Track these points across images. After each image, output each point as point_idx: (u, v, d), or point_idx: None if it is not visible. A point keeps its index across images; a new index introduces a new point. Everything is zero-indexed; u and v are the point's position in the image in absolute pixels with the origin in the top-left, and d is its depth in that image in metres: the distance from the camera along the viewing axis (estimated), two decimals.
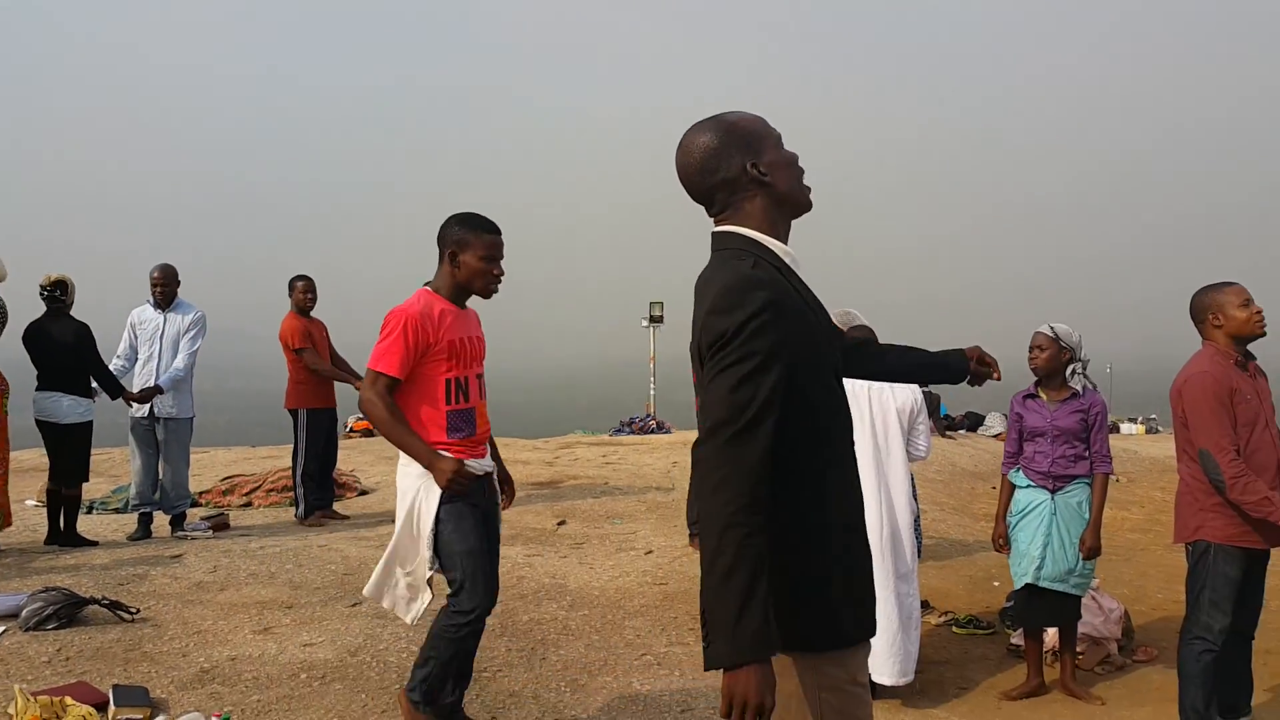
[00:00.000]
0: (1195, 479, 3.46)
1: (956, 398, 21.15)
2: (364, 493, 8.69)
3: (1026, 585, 4.18)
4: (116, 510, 7.70)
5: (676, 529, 6.85)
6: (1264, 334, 3.50)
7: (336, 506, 7.51)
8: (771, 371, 1.67)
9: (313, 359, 7.06)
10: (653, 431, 15.34)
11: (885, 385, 4.17)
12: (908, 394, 4.15)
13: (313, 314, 7.24)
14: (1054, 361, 4.17)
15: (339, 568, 5.56)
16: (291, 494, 7.55)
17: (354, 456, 10.38)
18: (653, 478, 9.28)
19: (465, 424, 3.25)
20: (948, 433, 14.27)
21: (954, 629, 5.23)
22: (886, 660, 3.99)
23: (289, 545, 6.09)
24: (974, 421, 16.02)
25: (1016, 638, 4.87)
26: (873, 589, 1.87)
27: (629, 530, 6.90)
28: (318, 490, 7.22)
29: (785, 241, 1.84)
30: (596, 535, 6.68)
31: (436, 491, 3.12)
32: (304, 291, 7.18)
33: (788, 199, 1.84)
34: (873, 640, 1.92)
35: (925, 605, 5.47)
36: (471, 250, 3.18)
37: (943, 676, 4.55)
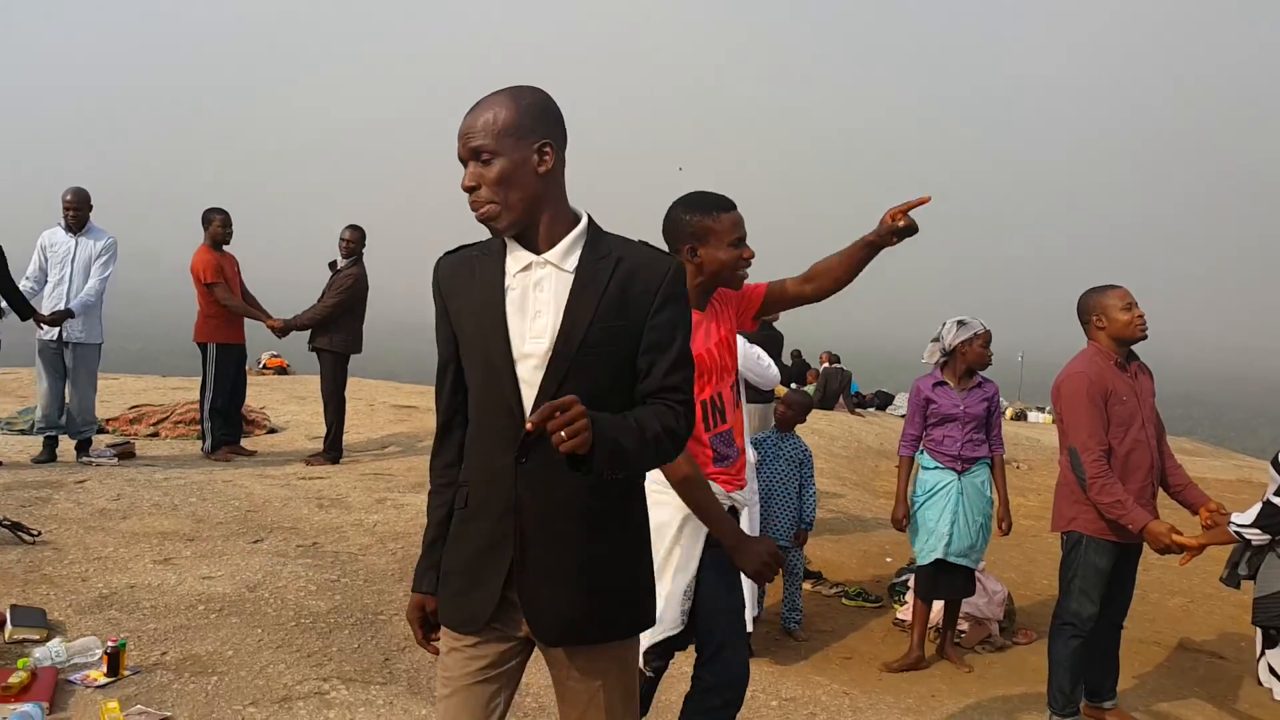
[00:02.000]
0: (1071, 472, 3.70)
1: (869, 376, 21.80)
2: (273, 430, 8.69)
3: (933, 561, 4.50)
4: (21, 431, 7.59)
5: None
6: (1145, 337, 3.69)
7: (244, 443, 7.52)
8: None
9: (224, 294, 7.02)
10: None
11: None
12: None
13: (225, 248, 7.20)
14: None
15: (242, 504, 5.62)
16: (199, 427, 7.54)
17: (264, 394, 10.32)
18: None
19: (728, 448, 2.61)
20: (857, 410, 14.77)
21: (844, 600, 5.55)
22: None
23: (194, 479, 6.11)
24: (883, 400, 16.59)
25: (903, 612, 5.20)
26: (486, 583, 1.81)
27: None
28: (225, 425, 7.23)
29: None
30: None
31: (703, 533, 2.52)
32: (222, 225, 7.12)
33: None
34: None
35: (818, 576, 5.79)
36: (715, 238, 2.52)
37: (828, 645, 4.84)
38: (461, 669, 1.85)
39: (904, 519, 4.61)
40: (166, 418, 8.11)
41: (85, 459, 6.54)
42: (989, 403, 4.57)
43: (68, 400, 6.59)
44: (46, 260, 6.51)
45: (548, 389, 1.73)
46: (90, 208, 6.60)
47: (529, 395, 1.75)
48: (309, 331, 7.19)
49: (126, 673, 3.24)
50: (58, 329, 6.36)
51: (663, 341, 1.79)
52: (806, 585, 5.43)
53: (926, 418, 4.59)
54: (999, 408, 4.68)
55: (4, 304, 6.15)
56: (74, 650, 3.30)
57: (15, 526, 4.54)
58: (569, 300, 1.76)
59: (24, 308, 6.19)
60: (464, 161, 1.77)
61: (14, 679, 3.01)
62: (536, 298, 1.77)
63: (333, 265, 7.27)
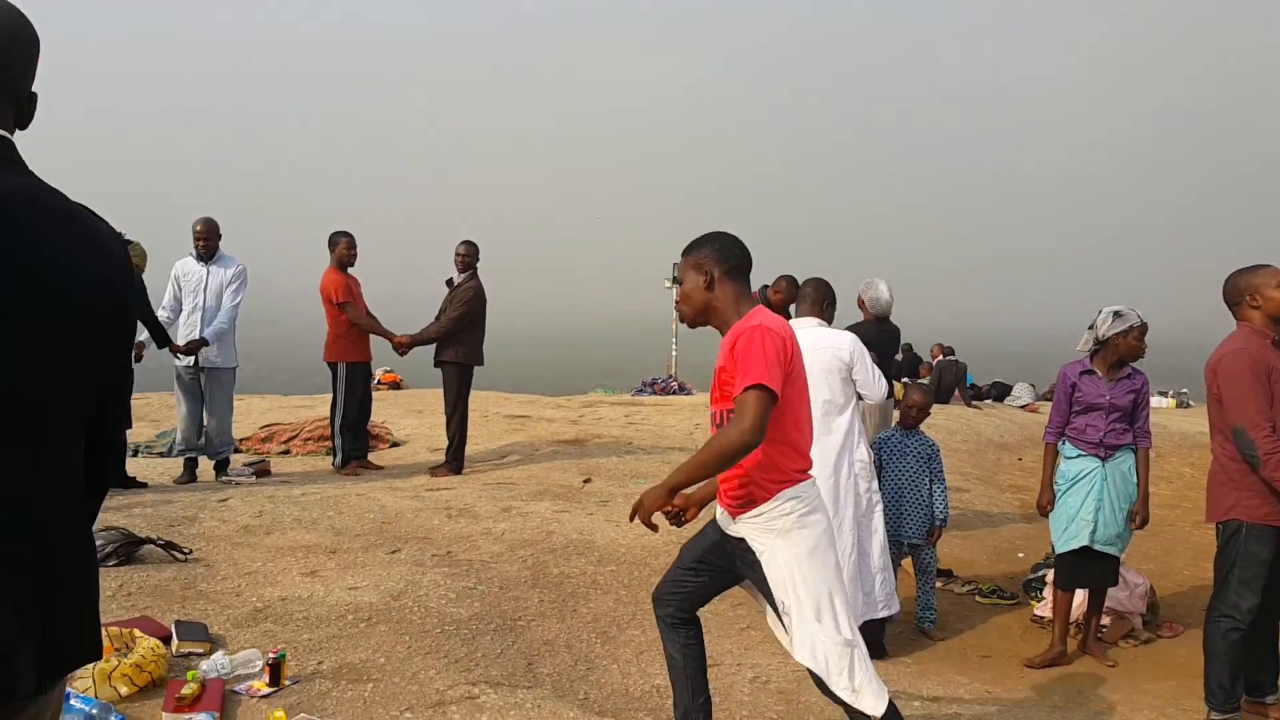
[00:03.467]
0: (1229, 458, 3.53)
1: (984, 366, 21.20)
2: (396, 444, 8.95)
3: (1076, 549, 4.37)
4: (160, 454, 8.00)
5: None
6: None
7: (370, 457, 7.76)
8: None
9: (355, 314, 7.27)
10: (674, 393, 15.54)
11: (809, 343, 3.89)
12: (836, 345, 4.32)
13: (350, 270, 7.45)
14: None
15: (377, 515, 5.80)
16: (328, 443, 7.81)
17: (383, 409, 10.64)
18: (675, 438, 9.47)
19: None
20: (973, 403, 14.37)
21: (977, 598, 5.42)
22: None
23: (329, 493, 6.33)
24: (1000, 392, 16.09)
25: (1041, 609, 5.05)
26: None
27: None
28: (354, 441, 7.46)
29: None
30: (621, 494, 6.88)
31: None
32: (348, 248, 7.37)
33: None
34: None
35: (948, 574, 5.66)
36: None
37: (965, 644, 4.73)
38: None
39: (1048, 505, 4.48)
40: (296, 435, 8.43)
41: (225, 478, 6.85)
42: (1136, 395, 4.41)
43: (206, 423, 6.91)
44: (180, 289, 6.84)
45: None
46: (219, 236, 6.91)
47: None
48: (433, 346, 7.37)
49: (287, 682, 3.37)
50: (194, 356, 6.68)
51: None
52: (938, 584, 5.31)
53: (1071, 405, 4.46)
54: (1147, 400, 4.50)
55: (145, 334, 6.49)
56: (237, 662, 3.45)
57: (169, 545, 4.78)
58: None
59: (162, 336, 6.53)
60: None
61: (186, 690, 3.16)
62: None
63: (450, 282, 7.44)
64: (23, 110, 1.56)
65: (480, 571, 4.83)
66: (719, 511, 2.93)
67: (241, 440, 8.29)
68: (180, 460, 6.99)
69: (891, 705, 2.71)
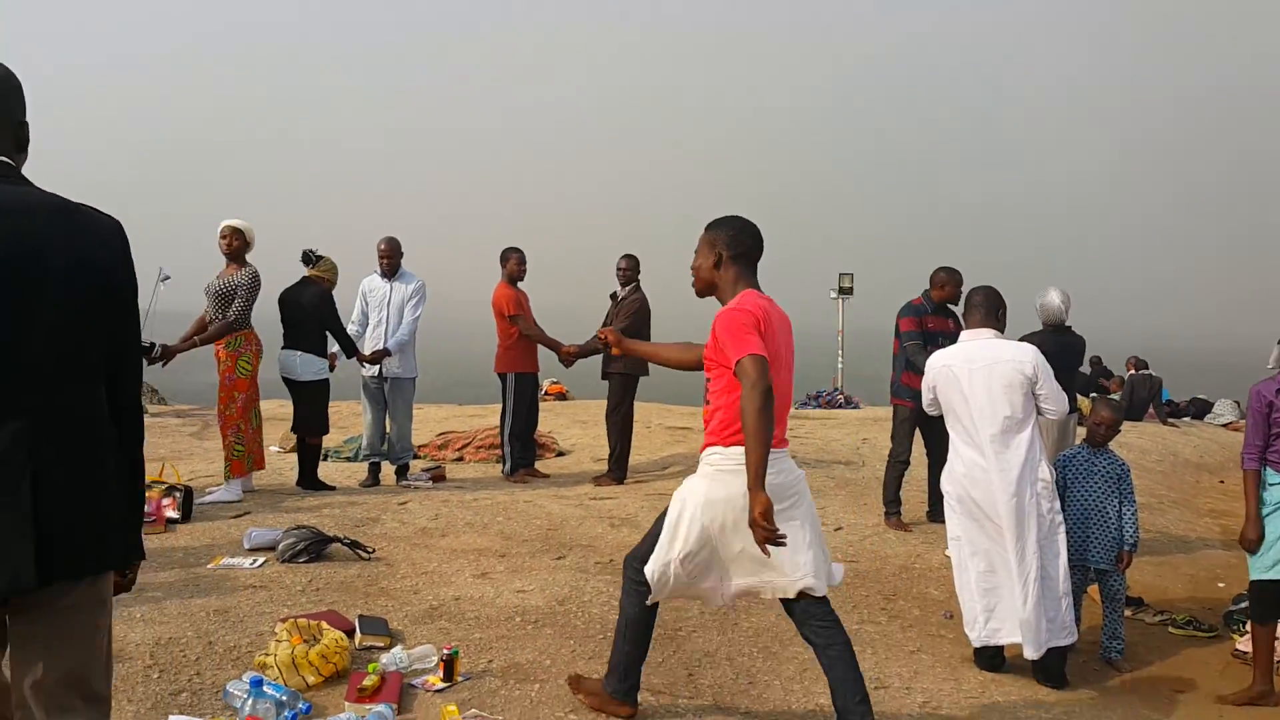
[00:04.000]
0: None
1: (1180, 379, 19.75)
2: (561, 453, 9.17)
3: (1269, 579, 4.02)
4: (347, 459, 8.50)
5: (866, 506, 6.86)
6: None
7: (538, 465, 7.98)
8: None
9: (525, 325, 7.51)
10: (840, 406, 15.22)
11: (989, 356, 4.12)
12: (1018, 358, 4.08)
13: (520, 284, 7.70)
14: None
15: (543, 523, 5.95)
16: (499, 451, 8.08)
17: (549, 419, 10.92)
18: (840, 453, 9.28)
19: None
20: (1170, 420, 13.39)
21: (1170, 629, 5.04)
22: (1028, 633, 3.93)
23: (499, 499, 6.56)
24: (1200, 409, 14.91)
25: (1243, 643, 4.64)
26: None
27: (817, 505, 6.95)
28: (522, 450, 7.70)
29: None
30: None
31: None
32: (518, 263, 7.63)
33: None
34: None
35: (1139, 602, 5.29)
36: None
37: (1155, 677, 4.42)
38: None
39: (1256, 540, 4.10)
40: (469, 443, 8.77)
41: (404, 482, 7.20)
42: None
43: (388, 430, 7.30)
44: (367, 304, 7.27)
45: None
46: (401, 254, 7.30)
47: None
48: (599, 358, 7.52)
49: (460, 679, 3.50)
50: (378, 366, 7.08)
51: None
52: (1127, 612, 4.96)
53: (1270, 426, 4.08)
54: None
55: (335, 345, 6.93)
56: (414, 657, 3.61)
57: (354, 544, 5.07)
58: None
59: (350, 347, 6.96)
60: None
61: (367, 681, 3.33)
62: None
63: (614, 296, 7.58)
64: (19, 137, 2.07)
65: None
66: None
67: (420, 447, 8.70)
68: (365, 465, 7.41)
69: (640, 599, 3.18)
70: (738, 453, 2.94)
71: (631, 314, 7.37)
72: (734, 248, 3.19)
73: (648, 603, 3.22)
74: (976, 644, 4.11)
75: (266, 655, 3.44)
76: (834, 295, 17.95)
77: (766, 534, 2.76)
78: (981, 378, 4.12)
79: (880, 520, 6.43)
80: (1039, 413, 4.17)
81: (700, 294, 3.34)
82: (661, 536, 3.14)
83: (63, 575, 1.93)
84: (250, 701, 2.67)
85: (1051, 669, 4.03)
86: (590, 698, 3.33)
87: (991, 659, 4.12)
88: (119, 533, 2.06)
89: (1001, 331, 4.40)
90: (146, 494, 5.64)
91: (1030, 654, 3.95)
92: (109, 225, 2.09)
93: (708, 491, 3.05)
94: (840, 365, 17.56)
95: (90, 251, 2.02)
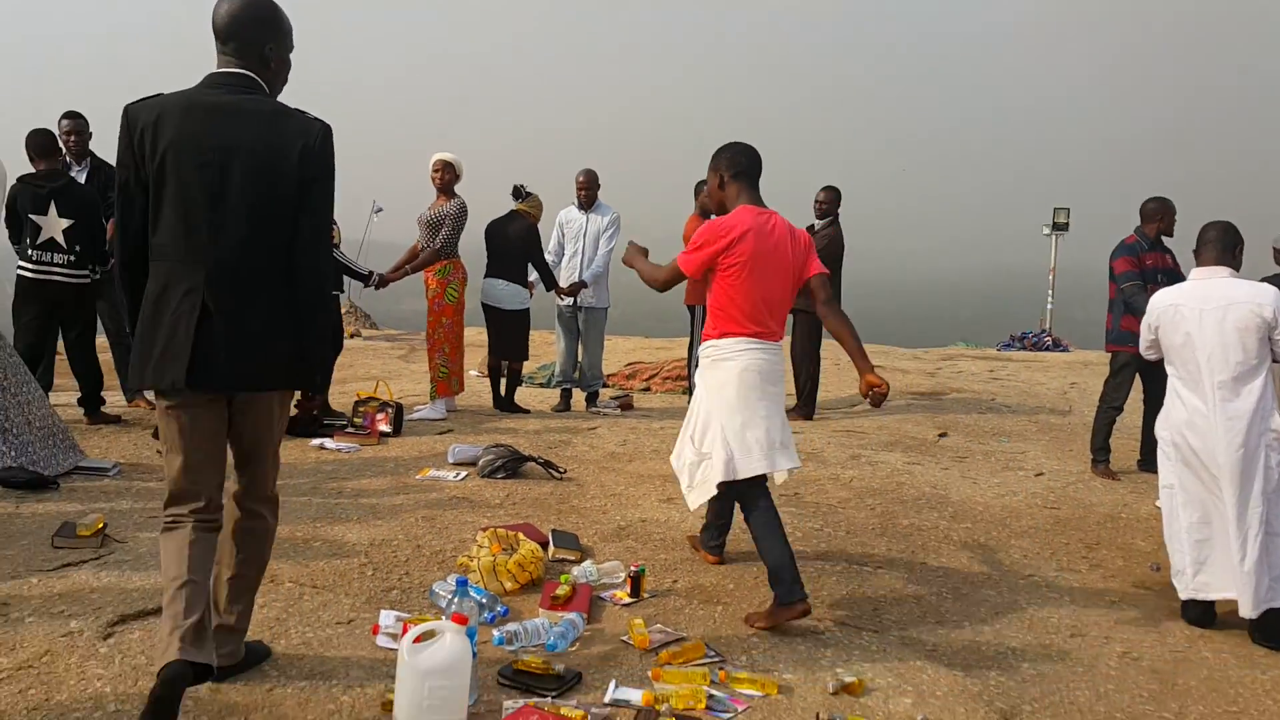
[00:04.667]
0: None
1: None
2: None
3: None
4: (540, 385, 8.85)
5: (1071, 453, 6.51)
6: None
7: None
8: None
9: None
10: (1048, 348, 14.39)
11: (1223, 297, 3.79)
12: (1256, 300, 3.71)
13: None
14: None
15: None
16: (684, 383, 8.19)
17: None
18: (1046, 397, 8.81)
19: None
20: None
21: None
22: (1245, 590, 3.62)
23: None
24: None
25: None
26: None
27: (1017, 449, 6.67)
28: None
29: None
30: (981, 451, 6.54)
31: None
32: (707, 195, 7.60)
33: None
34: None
35: None
36: None
37: None
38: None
39: None
40: (656, 374, 8.93)
41: (594, 409, 7.43)
42: None
43: (580, 359, 7.52)
44: (564, 235, 7.47)
45: None
46: (598, 186, 7.42)
47: None
48: None
49: (646, 595, 3.61)
50: (574, 297, 7.28)
51: None
52: None
53: None
54: None
55: (534, 275, 7.17)
56: (603, 571, 3.75)
57: (548, 465, 5.29)
58: None
59: (550, 280, 7.18)
60: None
61: (560, 591, 3.49)
62: None
63: (810, 228, 7.43)
64: (264, 57, 2.57)
65: (827, 515, 4.84)
66: None
67: (609, 376, 8.93)
68: (558, 391, 7.68)
69: (756, 504, 3.56)
70: (725, 344, 3.61)
71: (821, 249, 7.20)
72: (732, 168, 3.68)
73: (690, 506, 3.72)
74: (1184, 596, 3.85)
75: (469, 558, 3.66)
76: (1047, 231, 16.88)
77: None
78: (1213, 319, 3.78)
79: (1086, 467, 6.09)
80: (1275, 359, 3.80)
81: (718, 213, 3.78)
82: (688, 437, 3.71)
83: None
84: (456, 600, 2.86)
85: (1270, 628, 3.72)
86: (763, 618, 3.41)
87: (1201, 614, 3.84)
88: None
89: (1237, 270, 4.01)
90: (363, 408, 6.09)
91: (1247, 612, 3.65)
92: (313, 127, 2.54)
93: (707, 381, 3.68)
94: (1050, 306, 16.57)
95: (285, 148, 2.49)
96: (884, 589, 3.92)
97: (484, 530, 4.00)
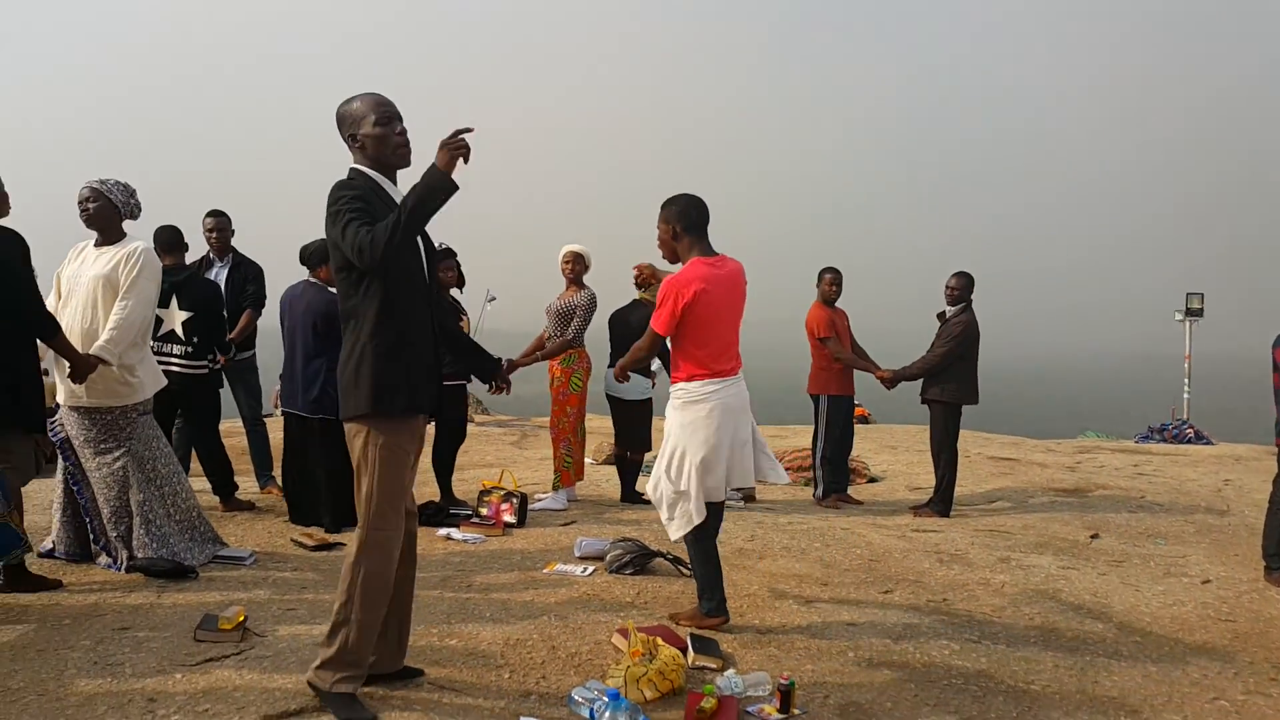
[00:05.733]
0: None
1: None
2: (873, 480, 8.83)
3: None
4: None
5: (1238, 558, 5.99)
6: None
7: (850, 491, 7.72)
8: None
9: (836, 347, 7.31)
10: (1189, 441, 13.55)
11: None
12: None
13: (836, 304, 7.51)
14: None
15: (864, 553, 5.71)
16: (808, 474, 7.92)
17: (856, 443, 10.58)
18: (1199, 495, 8.20)
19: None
20: None
21: None
22: None
23: (814, 525, 6.39)
24: None
25: None
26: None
27: (1176, 553, 6.17)
28: (834, 474, 7.48)
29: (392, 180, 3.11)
30: (1137, 554, 6.08)
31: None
32: (830, 284, 7.46)
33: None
34: None
35: None
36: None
37: None
38: None
39: None
40: None
41: None
42: None
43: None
44: None
45: None
46: None
47: None
48: (919, 382, 7.17)
49: (796, 711, 3.37)
50: None
51: None
52: None
53: None
54: None
55: (656, 364, 7.10)
56: (748, 682, 3.53)
57: (676, 561, 5.11)
58: None
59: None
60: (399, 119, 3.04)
61: (705, 704, 3.29)
62: None
63: (941, 315, 7.20)
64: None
65: (983, 625, 4.50)
66: None
67: None
68: None
69: (697, 532, 4.13)
70: (693, 386, 4.06)
71: (953, 338, 6.95)
72: (683, 221, 4.04)
73: (672, 537, 4.22)
74: None
75: (617, 668, 3.49)
76: (1180, 318, 16.10)
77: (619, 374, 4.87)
78: None
79: (1257, 575, 5.57)
80: None
81: (671, 261, 4.21)
82: (664, 471, 4.11)
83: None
84: (607, 714, 2.71)
85: None
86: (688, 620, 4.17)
87: None
88: None
89: None
90: (487, 498, 6.04)
91: None
92: None
93: (681, 417, 4.08)
94: (1186, 395, 15.69)
95: None
96: (1058, 714, 3.58)
97: (620, 632, 3.84)
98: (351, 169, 3.05)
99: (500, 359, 6.59)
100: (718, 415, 4.04)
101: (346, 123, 3.04)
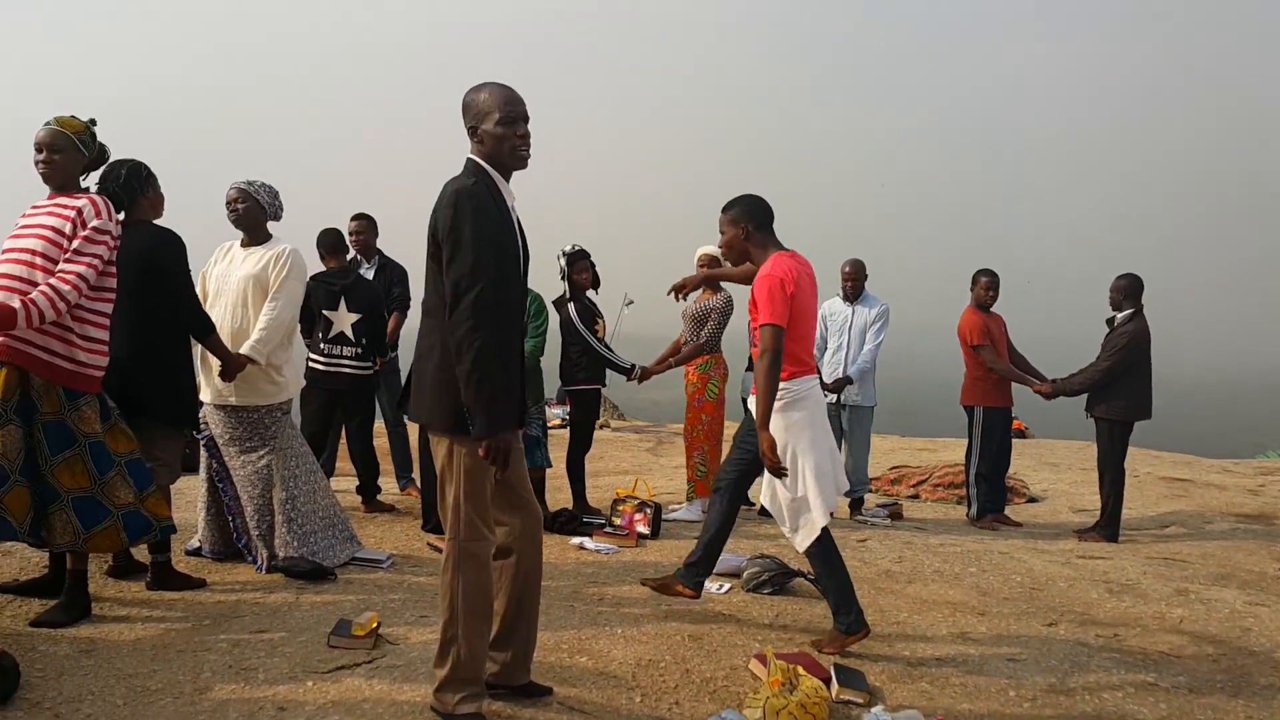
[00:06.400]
0: None
1: None
2: (1033, 500, 8.27)
3: None
4: None
5: None
6: None
7: (1007, 511, 7.23)
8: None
9: (990, 356, 6.86)
10: None
11: None
12: None
13: (992, 309, 7.05)
14: None
15: (1024, 579, 5.28)
16: (960, 491, 7.48)
17: (1015, 460, 9.97)
18: None
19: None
20: None
21: None
22: None
23: (968, 547, 5.98)
24: None
25: None
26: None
27: None
28: (990, 492, 7.02)
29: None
30: None
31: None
32: (986, 288, 7.01)
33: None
34: None
35: None
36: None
37: None
38: None
39: None
40: (925, 480, 8.24)
41: (860, 517, 6.89)
42: None
43: (844, 460, 7.03)
44: (826, 329, 7.09)
45: None
46: (865, 277, 7.03)
47: None
48: (1085, 396, 6.65)
49: None
50: (837, 394, 6.84)
51: None
52: None
53: None
54: None
55: None
56: None
57: (817, 581, 4.80)
58: None
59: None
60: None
61: None
62: None
63: (1110, 321, 6.65)
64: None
65: (1160, 665, 4.05)
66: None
67: (871, 480, 8.35)
68: None
69: (819, 539, 3.94)
70: (795, 385, 3.89)
71: (1120, 348, 6.39)
72: (755, 219, 3.93)
73: (799, 549, 4.08)
74: None
75: (755, 698, 3.27)
76: None
77: (773, 465, 3.81)
78: None
79: None
80: None
81: (736, 263, 4.09)
82: (778, 479, 3.90)
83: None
84: None
85: None
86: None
87: None
88: None
89: None
90: (621, 507, 5.92)
91: None
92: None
93: (786, 420, 3.86)
94: None
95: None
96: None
97: (758, 658, 3.61)
98: (469, 160, 2.95)
99: (632, 366, 6.48)
100: (818, 414, 3.97)
101: (470, 113, 2.94)
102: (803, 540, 3.97)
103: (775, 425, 3.87)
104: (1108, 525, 6.47)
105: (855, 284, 6.99)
